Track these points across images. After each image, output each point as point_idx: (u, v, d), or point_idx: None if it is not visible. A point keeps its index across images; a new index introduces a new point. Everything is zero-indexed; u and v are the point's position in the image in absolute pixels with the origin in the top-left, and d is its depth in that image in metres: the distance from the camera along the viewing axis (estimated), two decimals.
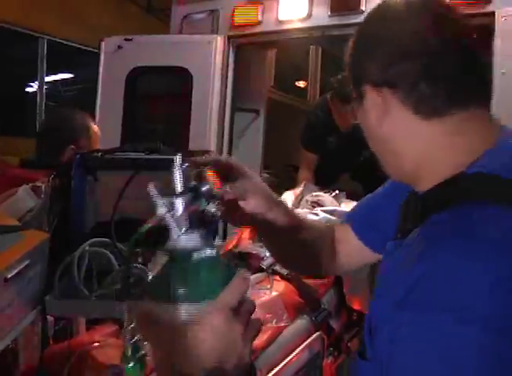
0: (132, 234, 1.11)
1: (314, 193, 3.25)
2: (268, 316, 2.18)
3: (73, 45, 6.55)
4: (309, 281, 2.59)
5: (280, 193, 4.95)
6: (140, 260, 1.41)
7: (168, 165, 1.99)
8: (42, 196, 1.41)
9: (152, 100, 4.52)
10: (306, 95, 5.97)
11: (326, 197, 3.19)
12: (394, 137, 1.04)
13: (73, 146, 2.59)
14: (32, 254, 1.20)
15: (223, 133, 4.47)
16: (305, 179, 4.14)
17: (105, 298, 1.35)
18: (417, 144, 1.01)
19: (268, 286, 2.43)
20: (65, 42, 6.48)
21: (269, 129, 5.01)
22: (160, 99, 4.47)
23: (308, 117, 4.60)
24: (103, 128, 4.62)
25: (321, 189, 3.50)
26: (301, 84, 5.99)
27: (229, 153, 4.51)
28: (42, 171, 1.59)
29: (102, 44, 4.66)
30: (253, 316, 0.82)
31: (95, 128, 2.82)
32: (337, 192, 3.43)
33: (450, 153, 0.98)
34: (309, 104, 5.92)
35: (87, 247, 1.40)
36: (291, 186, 3.97)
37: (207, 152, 2.00)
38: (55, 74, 6.85)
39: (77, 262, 1.37)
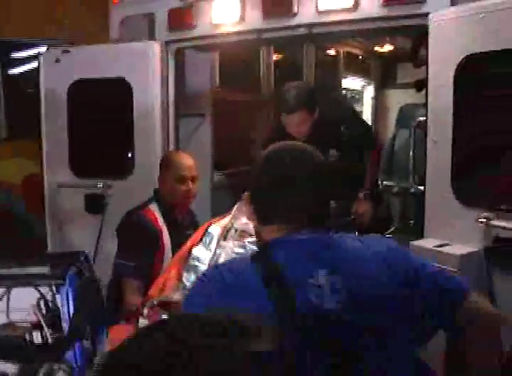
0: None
1: (244, 220, 3.14)
2: None
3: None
4: None
5: (237, 192, 4.94)
6: None
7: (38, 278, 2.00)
8: None
9: (95, 113, 4.46)
10: (260, 89, 5.88)
11: None
12: None
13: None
14: None
15: (168, 141, 4.43)
16: None
17: None
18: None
19: None
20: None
21: (222, 129, 4.96)
22: (104, 111, 4.41)
23: (271, 125, 4.55)
24: (50, 142, 4.64)
25: None
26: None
27: None
28: None
29: (41, 57, 4.59)
30: None
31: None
32: None
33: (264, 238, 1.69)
34: (264, 98, 5.86)
35: None
36: None
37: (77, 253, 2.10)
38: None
39: None
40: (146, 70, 4.31)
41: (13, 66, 6.59)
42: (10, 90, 6.36)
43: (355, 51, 7.09)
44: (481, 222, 3.04)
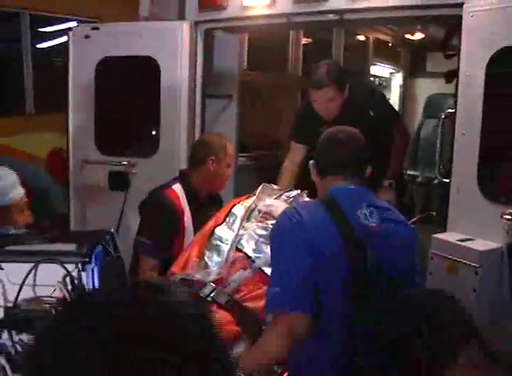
0: None
1: (268, 202, 3.12)
2: None
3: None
4: (251, 305, 2.58)
5: (261, 175, 4.94)
6: None
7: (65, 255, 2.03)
8: None
9: (122, 90, 4.47)
10: (288, 73, 5.85)
11: (279, 206, 3.06)
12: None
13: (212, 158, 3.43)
14: None
15: (194, 121, 4.43)
16: (287, 170, 4.09)
17: None
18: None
19: None
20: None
21: (248, 112, 4.95)
22: (131, 89, 4.42)
23: (298, 108, 4.49)
24: (77, 118, 4.67)
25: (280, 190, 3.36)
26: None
27: None
28: None
29: (71, 33, 4.60)
30: None
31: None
32: (298, 192, 3.29)
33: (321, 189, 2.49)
34: (292, 82, 5.82)
35: None
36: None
37: (103, 232, 2.11)
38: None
39: None
40: (174, 49, 4.30)
41: (42, 41, 6.61)
42: (38, 64, 6.39)
43: (385, 37, 7.00)
44: (506, 218, 3.01)
